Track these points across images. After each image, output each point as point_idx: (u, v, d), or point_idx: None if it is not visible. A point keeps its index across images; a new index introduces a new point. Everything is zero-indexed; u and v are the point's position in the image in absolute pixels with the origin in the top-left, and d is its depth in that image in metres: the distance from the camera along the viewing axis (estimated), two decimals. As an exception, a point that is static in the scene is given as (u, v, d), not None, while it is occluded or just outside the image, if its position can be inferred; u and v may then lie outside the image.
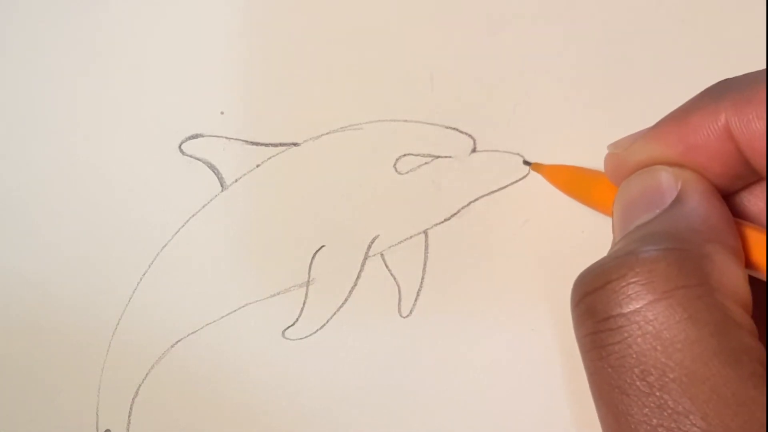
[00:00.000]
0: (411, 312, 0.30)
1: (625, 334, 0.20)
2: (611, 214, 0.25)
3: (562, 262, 0.30)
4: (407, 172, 0.31)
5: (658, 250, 0.21)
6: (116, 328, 0.30)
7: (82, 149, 0.31)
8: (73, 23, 0.32)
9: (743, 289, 0.21)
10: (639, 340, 0.20)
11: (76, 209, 0.31)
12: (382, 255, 0.31)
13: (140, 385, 0.30)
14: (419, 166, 0.31)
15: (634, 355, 0.20)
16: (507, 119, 0.31)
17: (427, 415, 0.30)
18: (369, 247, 0.31)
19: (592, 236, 0.30)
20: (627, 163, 0.25)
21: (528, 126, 0.31)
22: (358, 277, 0.31)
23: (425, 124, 0.31)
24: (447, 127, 0.31)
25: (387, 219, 0.31)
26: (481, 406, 0.30)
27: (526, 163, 0.30)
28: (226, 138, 0.31)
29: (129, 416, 0.30)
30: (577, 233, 0.30)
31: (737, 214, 0.25)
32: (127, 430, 0.30)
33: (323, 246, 0.31)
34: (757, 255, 0.23)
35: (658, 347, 0.20)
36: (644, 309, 0.20)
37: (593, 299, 0.21)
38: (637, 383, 0.20)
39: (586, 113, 0.31)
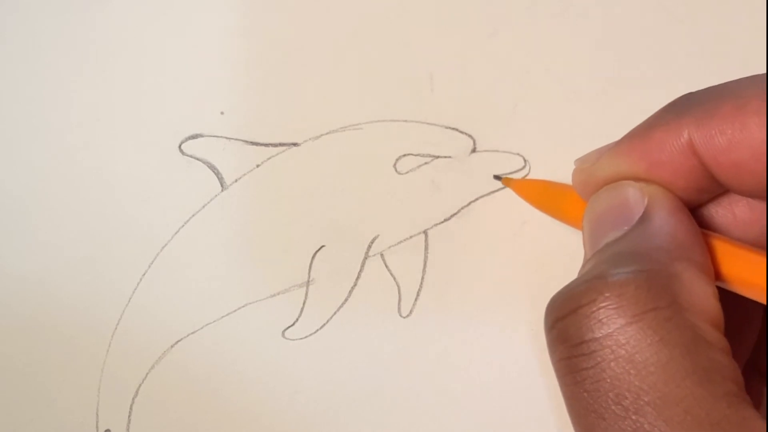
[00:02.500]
0: (411, 312, 0.30)
1: (599, 359, 0.20)
2: (582, 228, 0.25)
3: (561, 262, 0.30)
4: (407, 172, 0.31)
5: (627, 272, 0.21)
6: (116, 328, 0.30)
7: (82, 149, 0.31)
8: (72, 23, 0.32)
9: (713, 307, 0.21)
10: (612, 364, 0.20)
11: (77, 209, 0.31)
12: (382, 255, 0.31)
13: (140, 385, 0.30)
14: (419, 166, 0.31)
15: (608, 380, 0.20)
16: (507, 119, 0.31)
17: (427, 415, 0.30)
18: (369, 247, 0.31)
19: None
20: (594, 178, 0.25)
21: (528, 126, 0.31)
22: (358, 277, 0.31)
23: (425, 124, 0.31)
24: (447, 127, 0.31)
25: (387, 219, 0.31)
26: (480, 405, 0.30)
27: (496, 177, 0.30)
28: (226, 138, 0.31)
29: (129, 416, 0.30)
30: (575, 233, 0.30)
31: (705, 226, 0.25)
32: (127, 430, 0.30)
33: (323, 246, 0.31)
34: (726, 267, 0.23)
35: (632, 371, 0.20)
36: (616, 333, 0.20)
37: (565, 325, 0.21)
38: (613, 407, 0.20)
39: (585, 113, 0.31)
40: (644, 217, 0.23)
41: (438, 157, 0.31)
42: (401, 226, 0.31)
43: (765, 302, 0.23)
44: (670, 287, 0.21)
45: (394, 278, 0.31)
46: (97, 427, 0.30)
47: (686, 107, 0.23)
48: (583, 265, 0.24)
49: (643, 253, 0.22)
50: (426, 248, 0.31)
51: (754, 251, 0.23)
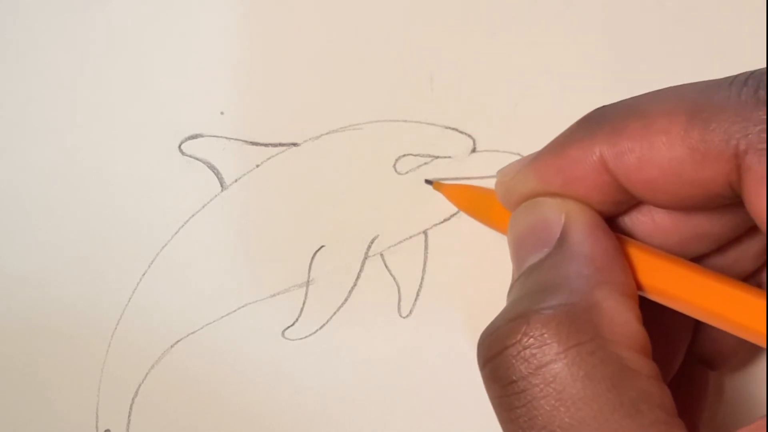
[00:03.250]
0: (411, 312, 0.30)
1: (529, 397, 0.21)
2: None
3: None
4: (407, 172, 0.31)
5: (548, 308, 0.21)
6: (116, 328, 0.30)
7: (82, 149, 0.31)
8: (72, 22, 0.32)
9: (637, 332, 0.21)
10: (542, 402, 0.20)
11: (76, 209, 0.31)
12: (381, 255, 0.31)
13: (140, 385, 0.30)
14: (419, 166, 0.31)
15: (540, 417, 0.20)
16: (507, 119, 0.31)
17: (427, 415, 0.30)
18: (369, 247, 0.31)
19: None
20: (514, 192, 0.25)
21: (528, 126, 0.31)
22: (357, 277, 0.31)
23: (425, 125, 0.31)
24: (446, 128, 0.31)
25: (387, 219, 0.31)
26: (480, 406, 0.30)
27: (428, 182, 0.30)
28: (226, 138, 0.31)
29: (129, 416, 0.30)
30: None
31: (626, 233, 0.25)
32: (127, 430, 0.30)
33: (323, 246, 0.31)
34: (645, 277, 0.23)
35: (561, 408, 0.20)
36: (543, 371, 0.20)
37: (495, 365, 0.22)
38: None
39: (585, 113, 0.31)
40: (562, 239, 0.23)
41: (438, 157, 0.31)
42: (401, 226, 0.31)
43: (686, 312, 0.23)
44: (591, 320, 0.21)
45: (394, 278, 0.31)
46: (96, 427, 0.30)
47: (598, 124, 0.23)
48: (511, 286, 0.24)
49: (562, 282, 0.22)
50: (426, 248, 0.31)
51: (673, 260, 0.23)
